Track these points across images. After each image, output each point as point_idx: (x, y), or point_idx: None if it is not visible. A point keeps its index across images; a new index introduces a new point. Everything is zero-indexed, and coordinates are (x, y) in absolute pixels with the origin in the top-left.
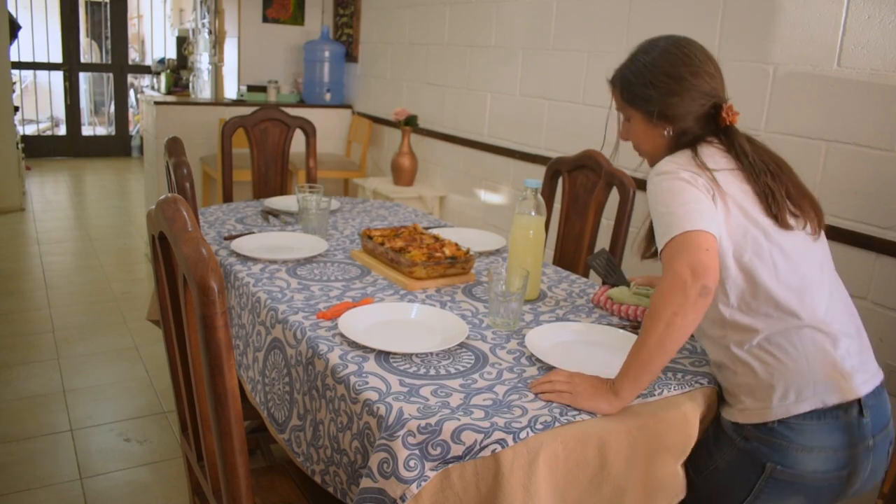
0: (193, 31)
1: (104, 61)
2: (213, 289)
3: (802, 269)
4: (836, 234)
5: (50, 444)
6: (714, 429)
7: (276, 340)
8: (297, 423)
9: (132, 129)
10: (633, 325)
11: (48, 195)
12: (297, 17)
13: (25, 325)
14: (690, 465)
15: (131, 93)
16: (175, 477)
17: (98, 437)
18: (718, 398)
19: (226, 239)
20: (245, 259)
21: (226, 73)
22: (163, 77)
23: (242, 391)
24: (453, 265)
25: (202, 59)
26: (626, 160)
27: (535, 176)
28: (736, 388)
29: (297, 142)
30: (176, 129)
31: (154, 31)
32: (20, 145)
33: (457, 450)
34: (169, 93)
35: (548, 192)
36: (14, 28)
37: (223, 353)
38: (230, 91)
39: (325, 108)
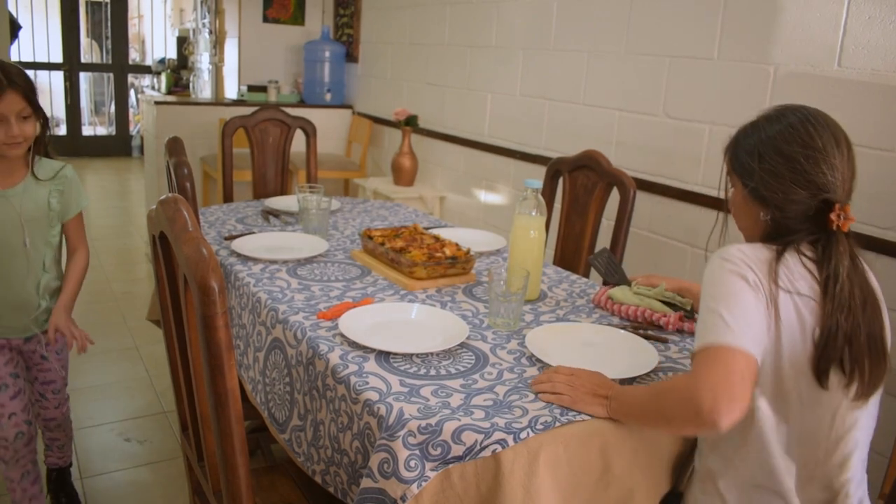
0: (194, 31)
1: (105, 61)
2: (214, 289)
3: (811, 445)
4: None
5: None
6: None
7: (277, 340)
8: (297, 423)
9: (132, 129)
10: (634, 326)
11: None
12: (298, 18)
13: None
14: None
15: (132, 93)
16: (175, 477)
17: (98, 437)
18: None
19: (226, 239)
20: (245, 259)
21: (226, 73)
22: (163, 77)
23: (243, 391)
24: (454, 265)
25: (202, 59)
26: (626, 160)
27: (536, 176)
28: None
29: (298, 142)
30: (176, 129)
31: (154, 31)
32: None
33: (457, 450)
34: (169, 93)
35: (548, 193)
36: (14, 28)
37: (224, 354)
38: (230, 91)
39: (325, 109)
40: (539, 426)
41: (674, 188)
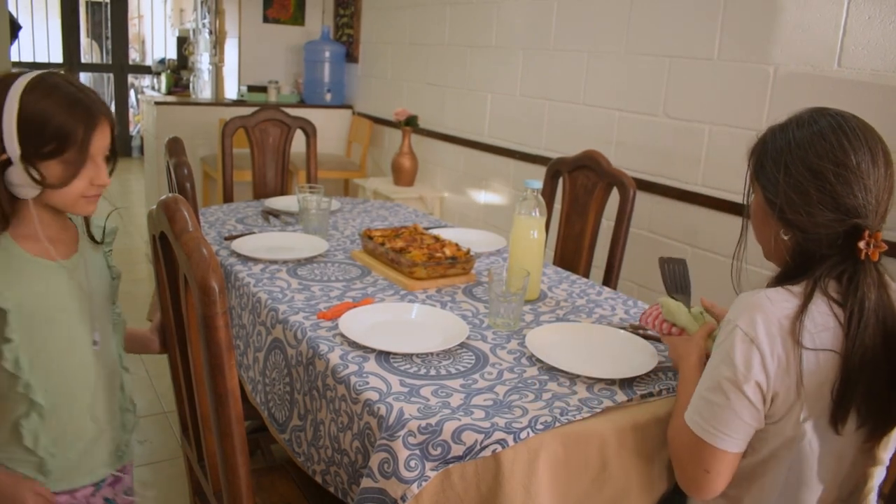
0: (194, 31)
1: (105, 61)
2: (214, 289)
3: (827, 482)
4: None
5: None
6: None
7: (277, 340)
8: (297, 423)
9: (132, 130)
10: (635, 327)
11: None
12: (298, 18)
13: None
14: None
15: (132, 93)
16: (175, 477)
17: None
18: None
19: (226, 239)
20: (245, 259)
21: (226, 73)
22: (163, 77)
23: (243, 391)
24: (454, 265)
25: (202, 60)
26: (626, 160)
27: (536, 176)
28: None
29: (298, 142)
30: (176, 130)
31: (154, 32)
32: None
33: (457, 450)
34: (169, 93)
35: (548, 193)
36: (14, 28)
37: (224, 354)
38: (230, 91)
39: (325, 109)
40: (539, 426)
41: (674, 188)
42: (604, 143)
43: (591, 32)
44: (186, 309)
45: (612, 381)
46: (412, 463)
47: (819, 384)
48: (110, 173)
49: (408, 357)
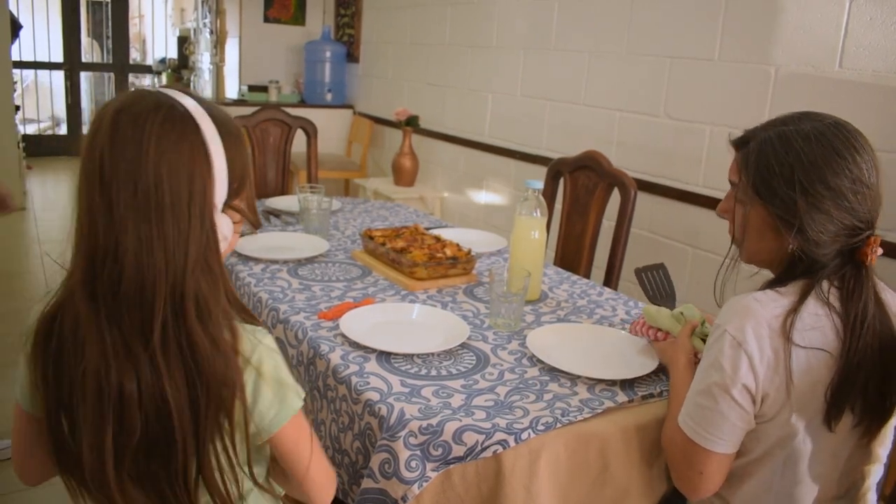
0: (195, 30)
1: (105, 61)
2: None
3: (822, 480)
4: None
5: None
6: None
7: (278, 340)
8: None
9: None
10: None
11: (49, 194)
12: (298, 18)
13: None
14: None
15: None
16: None
17: None
18: None
19: None
20: (246, 259)
21: (227, 72)
22: (164, 77)
23: None
24: (454, 266)
25: (203, 59)
26: (627, 161)
27: (537, 176)
28: None
29: (298, 142)
30: None
31: (155, 31)
32: (21, 145)
33: (458, 450)
34: None
35: (549, 193)
36: (15, 27)
37: None
38: (231, 91)
39: (326, 109)
40: (540, 427)
41: (674, 189)
42: (605, 144)
43: (592, 33)
44: None
45: (613, 382)
46: (413, 463)
47: (811, 383)
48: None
49: (409, 357)
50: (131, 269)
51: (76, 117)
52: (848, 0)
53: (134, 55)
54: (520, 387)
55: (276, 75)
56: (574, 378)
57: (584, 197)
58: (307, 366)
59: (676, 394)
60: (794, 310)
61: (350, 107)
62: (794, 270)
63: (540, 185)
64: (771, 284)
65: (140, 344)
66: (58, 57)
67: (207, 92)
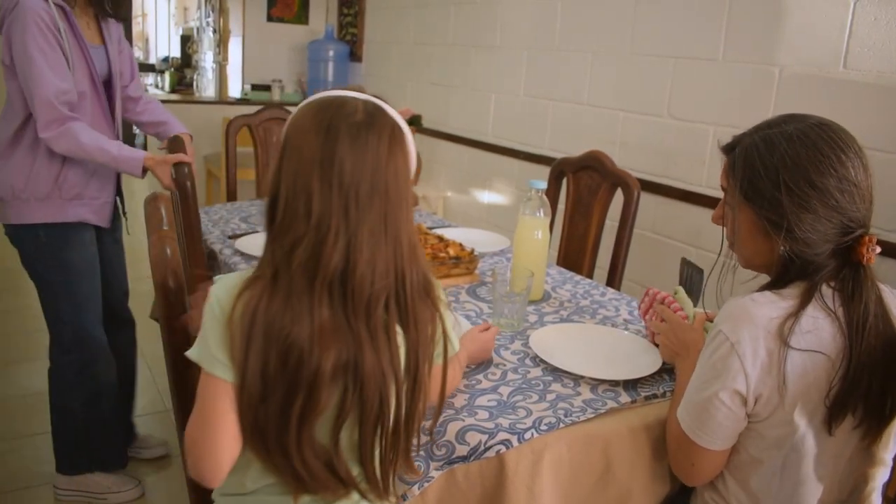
0: (198, 29)
1: None
2: (173, 289)
3: (826, 482)
4: None
5: (51, 441)
6: None
7: None
8: None
9: (135, 128)
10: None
11: None
12: (302, 17)
13: (26, 322)
14: None
15: None
16: (178, 476)
17: None
18: None
19: (230, 237)
20: (250, 258)
21: (230, 71)
22: (167, 75)
23: None
24: (457, 265)
25: (206, 58)
26: (630, 161)
27: (540, 176)
28: None
29: None
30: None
31: (158, 30)
32: None
33: (461, 450)
34: (173, 91)
35: (552, 193)
36: None
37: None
38: (234, 90)
39: None
40: (543, 427)
41: (678, 189)
42: (608, 144)
43: (596, 33)
44: None
45: (616, 383)
46: (415, 464)
47: (807, 386)
48: None
49: None
50: (364, 261)
51: None
52: (852, 0)
53: (137, 54)
54: (523, 387)
55: (279, 74)
56: (577, 378)
57: (588, 197)
58: None
59: (683, 384)
60: (794, 314)
61: None
62: (788, 273)
63: (543, 185)
64: (768, 287)
65: (363, 324)
66: None
67: (210, 91)
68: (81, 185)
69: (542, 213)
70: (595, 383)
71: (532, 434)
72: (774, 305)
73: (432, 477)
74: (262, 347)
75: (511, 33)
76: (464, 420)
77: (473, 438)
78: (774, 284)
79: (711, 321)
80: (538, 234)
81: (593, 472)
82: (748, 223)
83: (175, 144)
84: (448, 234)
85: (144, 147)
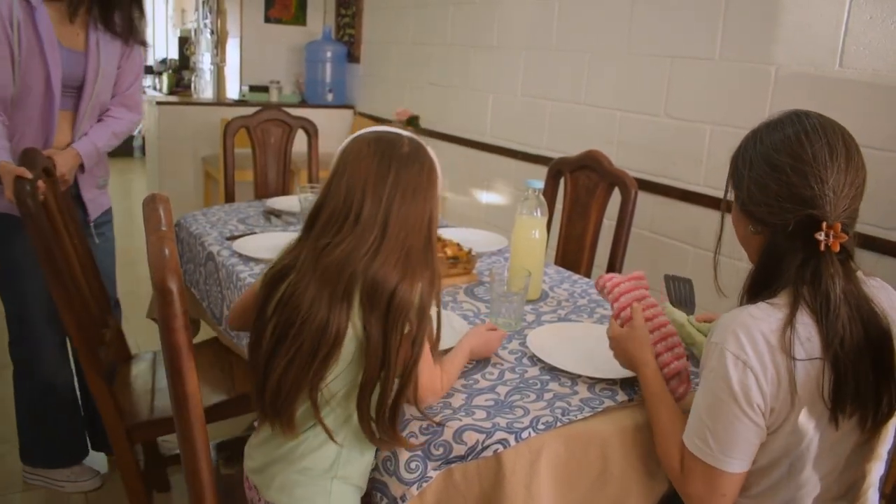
0: (195, 31)
1: None
2: (172, 290)
3: (824, 481)
4: None
5: None
6: None
7: None
8: None
9: (134, 130)
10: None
11: None
12: (299, 18)
13: None
14: None
15: None
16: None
17: None
18: None
19: (228, 239)
20: (247, 259)
21: (228, 73)
22: (165, 77)
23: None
24: (455, 265)
25: (204, 60)
26: (628, 160)
27: (537, 176)
28: None
29: (299, 142)
30: (178, 130)
31: (156, 32)
32: None
33: (459, 450)
34: (171, 93)
35: (550, 193)
36: None
37: (183, 356)
38: (232, 91)
39: (327, 109)
40: (541, 426)
41: (675, 188)
42: (605, 143)
43: (593, 33)
44: None
45: (613, 381)
46: (413, 465)
47: (811, 391)
48: None
49: None
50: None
51: None
52: None
53: None
54: (520, 386)
55: (276, 75)
56: (574, 377)
57: (585, 196)
58: None
59: (658, 404)
60: (790, 322)
61: (351, 107)
62: (763, 263)
63: (540, 184)
64: (750, 282)
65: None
66: None
67: (208, 93)
68: None
69: (539, 213)
70: (592, 382)
71: (530, 433)
72: (772, 318)
73: (430, 477)
74: (279, 304)
75: (509, 33)
76: (461, 420)
77: (471, 438)
78: (754, 279)
79: (710, 322)
80: (535, 234)
81: (591, 470)
82: (736, 214)
83: (26, 157)
84: (446, 233)
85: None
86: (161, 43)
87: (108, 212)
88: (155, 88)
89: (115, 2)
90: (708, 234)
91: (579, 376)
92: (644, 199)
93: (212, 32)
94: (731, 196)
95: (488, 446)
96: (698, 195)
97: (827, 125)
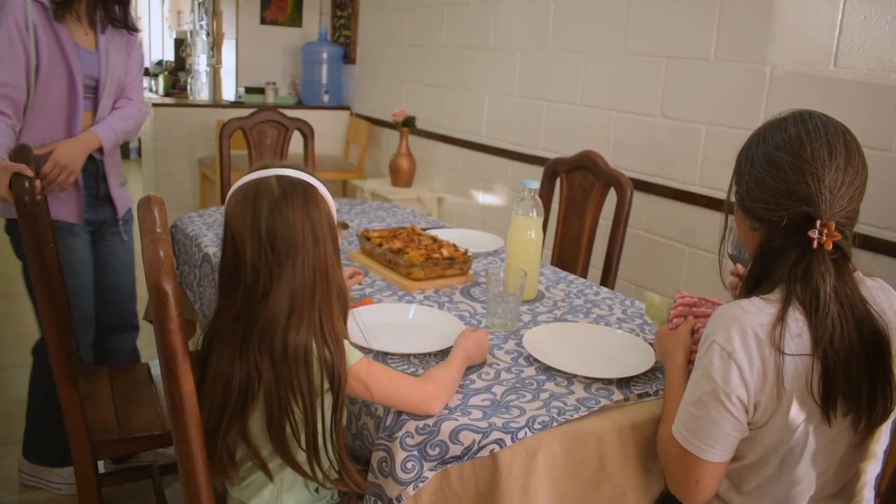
0: (191, 32)
1: None
2: (167, 292)
3: (820, 480)
4: None
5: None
6: None
7: None
8: None
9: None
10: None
11: None
12: (295, 19)
13: (25, 327)
14: None
15: None
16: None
17: None
18: None
19: None
20: None
21: (224, 74)
22: (161, 79)
23: None
24: (451, 266)
25: (200, 61)
26: (624, 160)
27: (533, 177)
28: None
29: (296, 143)
30: (174, 131)
31: (152, 33)
32: None
33: (455, 450)
34: (167, 95)
35: (546, 193)
36: None
37: (178, 358)
38: (228, 93)
39: (323, 110)
40: (537, 426)
41: (671, 188)
42: (601, 144)
43: (589, 33)
44: None
45: (609, 381)
46: (409, 465)
47: (801, 388)
48: None
49: (405, 357)
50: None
51: None
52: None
53: None
54: (516, 386)
55: (273, 77)
56: (570, 377)
57: (581, 197)
58: None
59: (672, 396)
60: (781, 317)
61: (347, 108)
62: (759, 261)
63: (536, 185)
64: (747, 280)
65: (263, 350)
66: None
67: (204, 94)
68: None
69: (535, 213)
70: (588, 382)
71: (526, 433)
72: (763, 312)
73: (426, 477)
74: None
75: (505, 34)
76: (457, 419)
77: (467, 438)
78: (751, 277)
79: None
80: (531, 234)
81: (587, 470)
82: (737, 214)
83: (20, 154)
84: (442, 234)
85: (139, 151)
86: (157, 45)
87: (130, 210)
88: (151, 90)
89: None
90: (703, 233)
91: (575, 376)
92: (640, 199)
93: (208, 34)
94: (733, 193)
95: (484, 446)
96: (694, 195)
97: (829, 125)
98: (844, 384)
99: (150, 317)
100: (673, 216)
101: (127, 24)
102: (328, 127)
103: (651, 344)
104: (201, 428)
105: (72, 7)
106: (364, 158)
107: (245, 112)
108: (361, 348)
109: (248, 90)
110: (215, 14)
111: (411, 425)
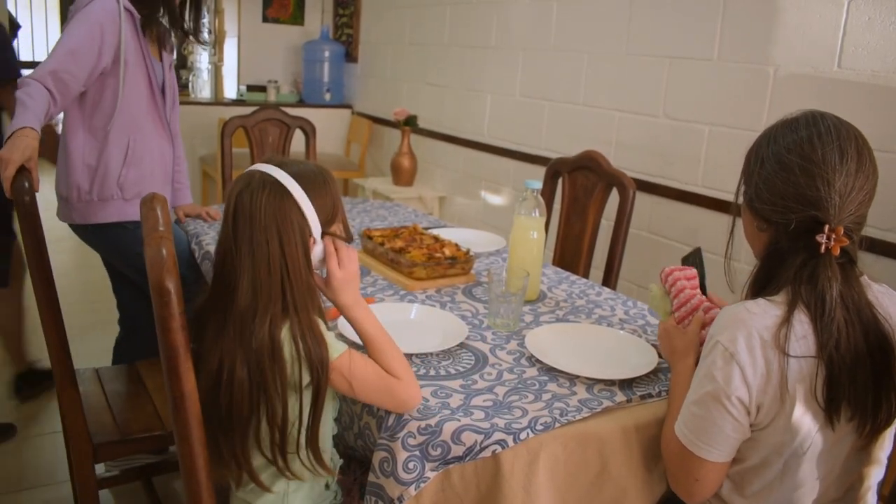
0: None
1: None
2: (169, 290)
3: (823, 484)
4: None
5: (50, 443)
6: None
7: None
8: None
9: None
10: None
11: (48, 194)
12: (297, 17)
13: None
14: None
15: None
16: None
17: None
18: None
19: None
20: None
21: (225, 72)
22: None
23: None
24: (453, 265)
25: (202, 59)
26: (626, 161)
27: (535, 176)
28: None
29: (297, 142)
30: None
31: None
32: None
33: (457, 450)
34: None
35: (548, 193)
36: (14, 27)
37: (180, 356)
38: (230, 91)
39: (324, 108)
40: (539, 427)
41: (673, 189)
42: (603, 144)
43: (591, 33)
44: None
45: (611, 382)
46: (411, 465)
47: (805, 391)
48: None
49: (407, 357)
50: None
51: None
52: (846, 0)
53: None
54: (518, 387)
55: (274, 75)
56: (572, 378)
57: (583, 197)
58: None
59: (678, 394)
60: (787, 319)
61: (349, 107)
62: (765, 263)
63: (539, 185)
64: (753, 283)
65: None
66: None
67: (206, 92)
68: (139, 185)
69: (537, 213)
70: (590, 383)
71: (528, 434)
72: (769, 314)
73: (428, 477)
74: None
75: (507, 34)
76: (459, 420)
77: (469, 438)
78: (757, 279)
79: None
80: (533, 234)
81: (589, 471)
82: (746, 215)
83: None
84: (444, 234)
85: None
86: None
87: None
88: None
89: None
90: (706, 234)
91: (577, 377)
92: (642, 200)
93: (209, 32)
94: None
95: (486, 447)
96: (696, 195)
97: (842, 128)
98: (849, 389)
99: None
100: (675, 217)
101: (197, 36)
102: (330, 125)
103: (654, 345)
104: (202, 425)
105: (153, 21)
106: (365, 157)
107: (247, 110)
108: (361, 348)
109: (250, 88)
110: (217, 12)
111: (413, 425)
